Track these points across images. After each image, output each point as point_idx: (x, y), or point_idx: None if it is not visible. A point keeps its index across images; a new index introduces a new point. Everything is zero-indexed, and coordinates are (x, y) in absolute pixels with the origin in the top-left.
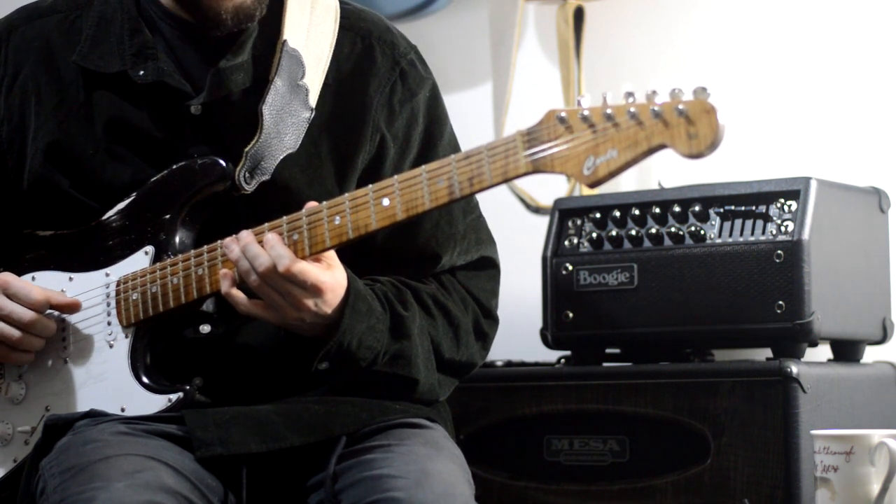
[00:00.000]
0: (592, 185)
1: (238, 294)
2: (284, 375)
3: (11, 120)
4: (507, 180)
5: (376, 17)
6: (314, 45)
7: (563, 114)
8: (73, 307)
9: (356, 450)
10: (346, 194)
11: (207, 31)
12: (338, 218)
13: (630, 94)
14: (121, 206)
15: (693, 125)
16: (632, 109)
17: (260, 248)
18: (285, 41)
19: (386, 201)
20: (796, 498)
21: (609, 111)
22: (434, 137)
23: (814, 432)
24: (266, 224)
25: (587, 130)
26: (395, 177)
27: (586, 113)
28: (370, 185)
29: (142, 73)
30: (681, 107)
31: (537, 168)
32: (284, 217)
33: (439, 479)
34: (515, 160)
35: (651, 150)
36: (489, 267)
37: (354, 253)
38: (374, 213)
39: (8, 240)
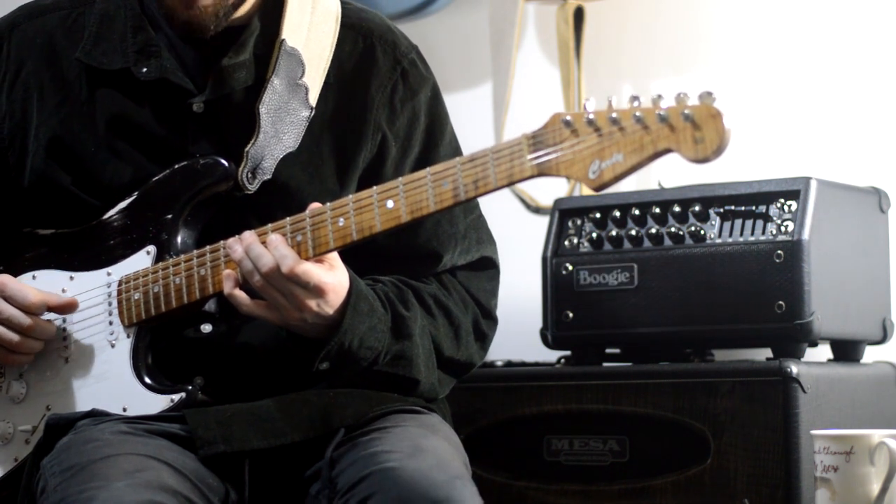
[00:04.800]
0: (598, 189)
1: (241, 295)
2: (285, 375)
3: (13, 117)
4: (511, 183)
5: (377, 17)
6: (315, 44)
7: (568, 117)
8: (71, 307)
9: (353, 436)
10: (350, 196)
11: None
12: (342, 219)
13: (635, 98)
14: (122, 204)
15: (699, 130)
16: (637, 114)
17: (263, 248)
18: (283, 40)
19: (390, 203)
20: (796, 498)
21: (614, 115)
22: (435, 137)
23: (814, 432)
24: (269, 225)
25: (593, 134)
26: (400, 179)
27: (591, 117)
28: (374, 187)
29: (145, 70)
30: (687, 111)
31: (542, 172)
32: (288, 218)
33: (433, 452)
34: (520, 163)
35: (657, 155)
36: (489, 267)
37: (355, 252)
38: (378, 214)
39: (8, 238)
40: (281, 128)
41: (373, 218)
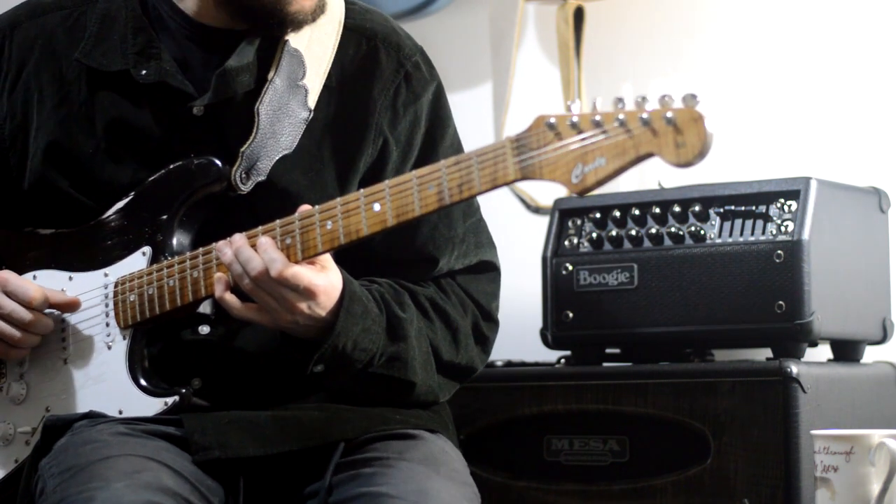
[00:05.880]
0: (581, 194)
1: (231, 298)
2: (282, 377)
3: (14, 117)
4: (496, 187)
5: (382, 18)
6: (317, 46)
7: (552, 120)
8: (73, 305)
9: (354, 460)
10: (339, 198)
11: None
12: (329, 223)
13: (620, 101)
14: (119, 205)
15: (681, 134)
16: (620, 116)
17: (252, 251)
18: (286, 41)
19: (377, 206)
20: (796, 498)
21: (598, 118)
22: (435, 140)
23: (814, 432)
24: (260, 227)
25: (575, 137)
26: (387, 181)
27: (575, 119)
28: (361, 190)
29: (144, 72)
30: (669, 115)
31: (526, 175)
32: (278, 221)
33: (437, 499)
34: (504, 167)
35: (639, 159)
36: (489, 270)
37: (352, 255)
38: (364, 218)
39: (10, 238)
40: (279, 128)
41: (360, 221)
